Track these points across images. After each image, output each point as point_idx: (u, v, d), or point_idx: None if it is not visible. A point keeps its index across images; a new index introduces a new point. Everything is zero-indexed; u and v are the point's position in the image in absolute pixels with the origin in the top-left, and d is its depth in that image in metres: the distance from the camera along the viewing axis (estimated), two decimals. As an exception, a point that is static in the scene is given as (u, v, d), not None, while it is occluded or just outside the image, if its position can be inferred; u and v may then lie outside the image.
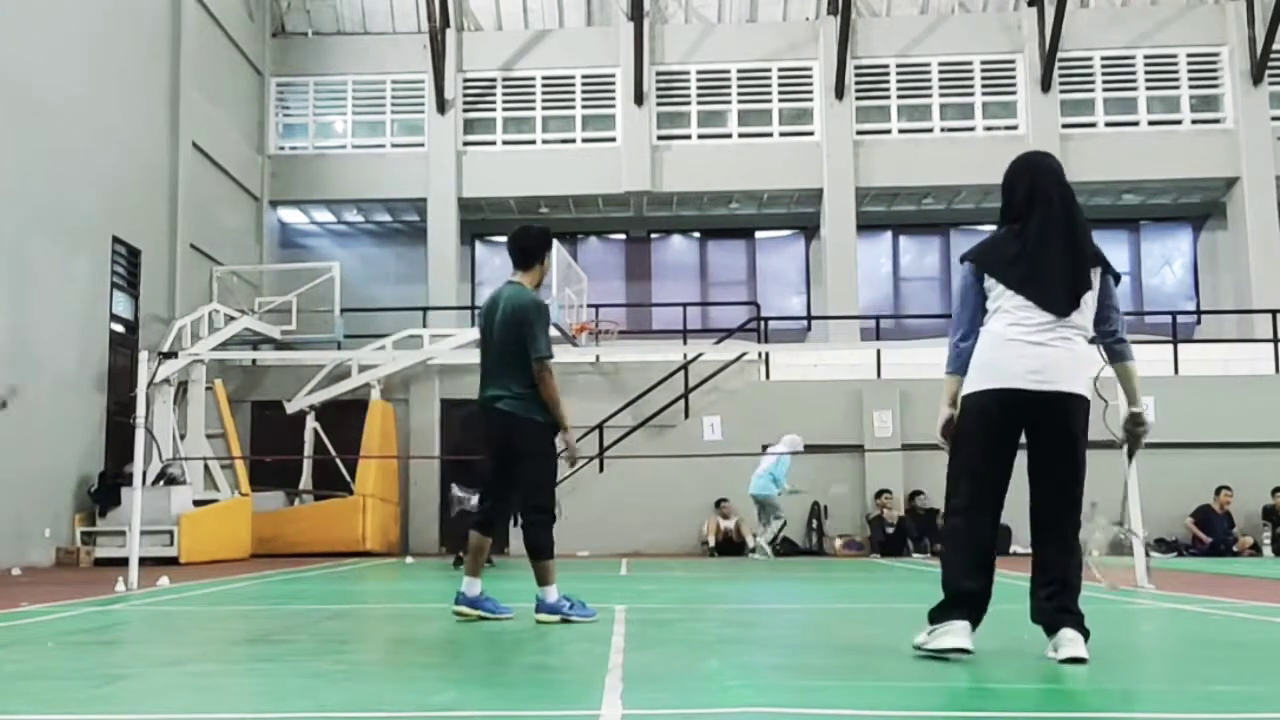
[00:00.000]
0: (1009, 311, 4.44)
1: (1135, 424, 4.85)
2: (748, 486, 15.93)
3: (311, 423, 18.08)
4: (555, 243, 18.43)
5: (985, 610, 4.40)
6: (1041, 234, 4.45)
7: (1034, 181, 4.57)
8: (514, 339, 6.08)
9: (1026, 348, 4.36)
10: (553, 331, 17.80)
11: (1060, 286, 4.40)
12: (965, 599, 4.35)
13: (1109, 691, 3.77)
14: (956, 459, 4.57)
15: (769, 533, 15.95)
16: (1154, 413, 17.32)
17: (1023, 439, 4.50)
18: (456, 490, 13.34)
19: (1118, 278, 4.66)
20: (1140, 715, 3.33)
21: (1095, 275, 4.49)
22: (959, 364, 4.63)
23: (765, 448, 16.41)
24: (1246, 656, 4.79)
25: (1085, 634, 4.23)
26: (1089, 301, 4.48)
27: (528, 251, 6.28)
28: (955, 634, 4.26)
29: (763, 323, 20.16)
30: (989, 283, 4.53)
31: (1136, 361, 4.71)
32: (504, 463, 6.18)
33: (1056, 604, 4.32)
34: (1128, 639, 5.78)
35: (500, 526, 6.51)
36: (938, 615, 4.36)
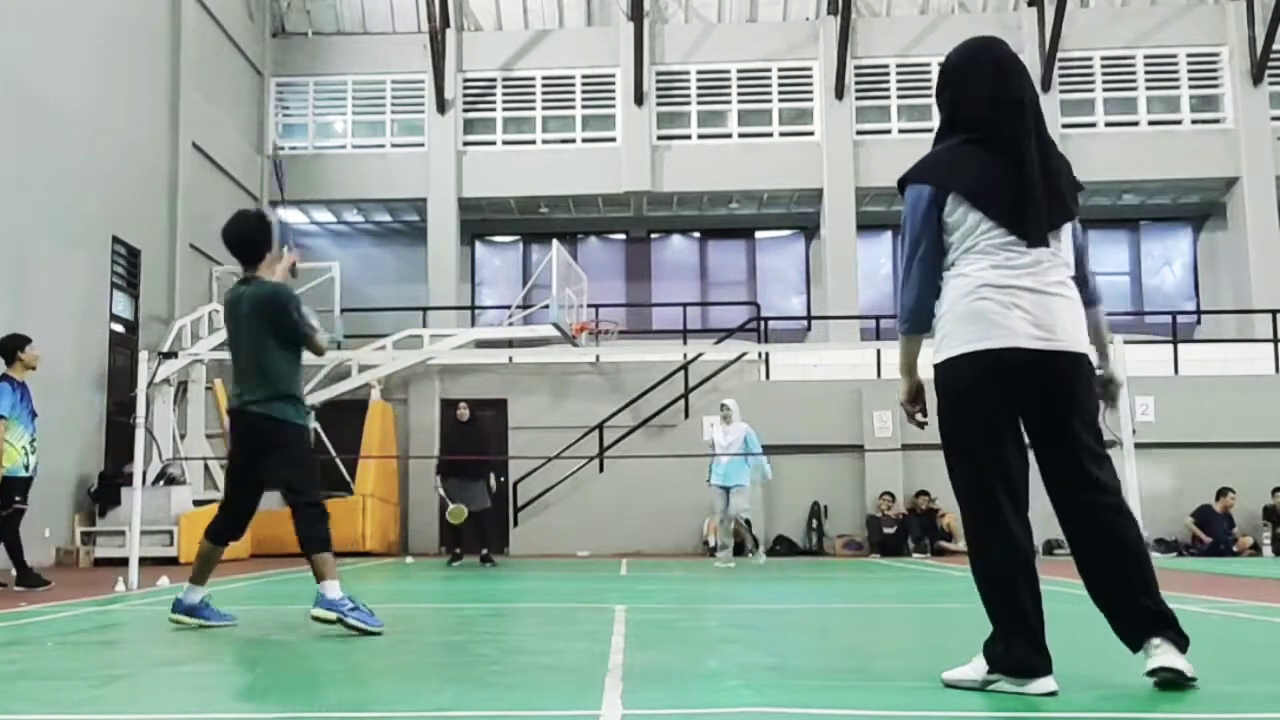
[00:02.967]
0: (987, 252, 3.49)
1: (1108, 383, 3.94)
2: (731, 479, 13.42)
3: (311, 423, 18.06)
4: (555, 243, 18.72)
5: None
6: (1016, 149, 3.51)
7: (1001, 78, 3.60)
8: (264, 337, 5.70)
9: (1024, 295, 3.45)
10: (552, 331, 17.93)
11: (1045, 214, 3.50)
12: (1041, 633, 3.50)
13: (1109, 691, 3.77)
14: (966, 452, 3.53)
15: (745, 532, 13.85)
16: (1154, 413, 17.46)
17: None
18: (438, 487, 13.52)
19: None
20: (1140, 715, 3.33)
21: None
22: (922, 320, 3.63)
23: (719, 419, 13.91)
24: (1246, 656, 4.79)
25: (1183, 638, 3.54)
26: (1068, 234, 3.61)
27: (251, 243, 5.73)
28: (1053, 681, 3.47)
29: (763, 323, 20.16)
30: (955, 213, 3.54)
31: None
32: (251, 467, 5.95)
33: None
34: (1128, 639, 5.78)
35: (237, 535, 6.24)
36: (1013, 667, 3.45)
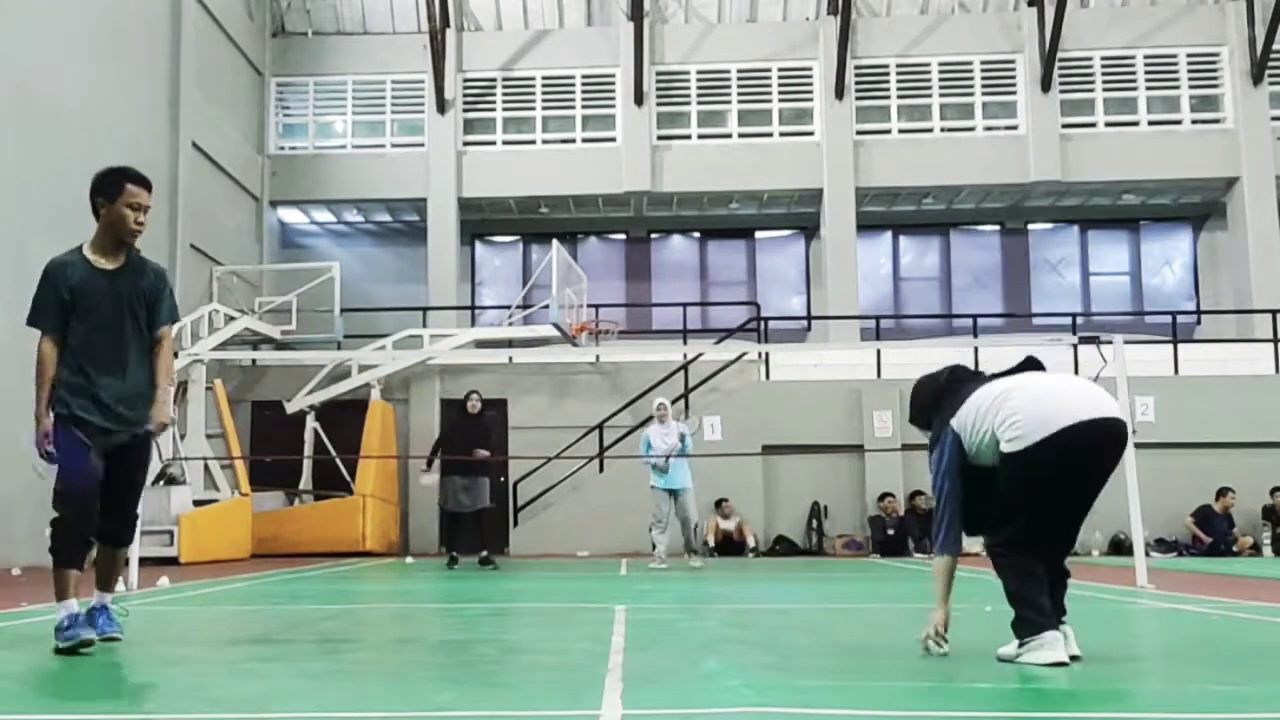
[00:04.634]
0: (1017, 389, 4.37)
1: None
2: (677, 482, 13.14)
3: (311, 423, 18.09)
4: (555, 243, 18.71)
5: None
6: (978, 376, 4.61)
7: (948, 372, 4.70)
8: None
9: (1069, 385, 4.44)
10: (552, 331, 17.91)
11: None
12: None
13: (1109, 691, 3.77)
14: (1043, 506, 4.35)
15: (696, 536, 13.52)
16: (1154, 413, 17.47)
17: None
18: (430, 478, 13.18)
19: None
20: (1140, 715, 3.33)
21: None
22: (957, 543, 4.53)
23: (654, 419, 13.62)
24: (1246, 656, 4.79)
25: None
26: None
27: (90, 200, 5.23)
28: (1071, 641, 4.30)
29: (762, 323, 20.16)
30: (981, 421, 4.37)
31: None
32: None
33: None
34: (1127, 639, 5.78)
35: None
36: (1044, 623, 4.25)
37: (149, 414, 5.03)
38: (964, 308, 22.43)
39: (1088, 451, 4.25)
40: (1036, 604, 4.25)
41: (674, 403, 18.16)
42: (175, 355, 14.07)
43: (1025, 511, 4.28)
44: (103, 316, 5.03)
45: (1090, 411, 4.24)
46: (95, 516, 4.98)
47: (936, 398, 4.63)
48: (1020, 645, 4.26)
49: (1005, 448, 4.28)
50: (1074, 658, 4.22)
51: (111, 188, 5.12)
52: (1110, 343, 9.24)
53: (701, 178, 21.60)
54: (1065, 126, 21.28)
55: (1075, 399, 4.28)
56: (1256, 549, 16.68)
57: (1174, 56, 21.56)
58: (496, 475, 13.96)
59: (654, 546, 13.28)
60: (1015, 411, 4.27)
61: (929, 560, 16.46)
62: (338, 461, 17.78)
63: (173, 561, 13.33)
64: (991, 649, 4.65)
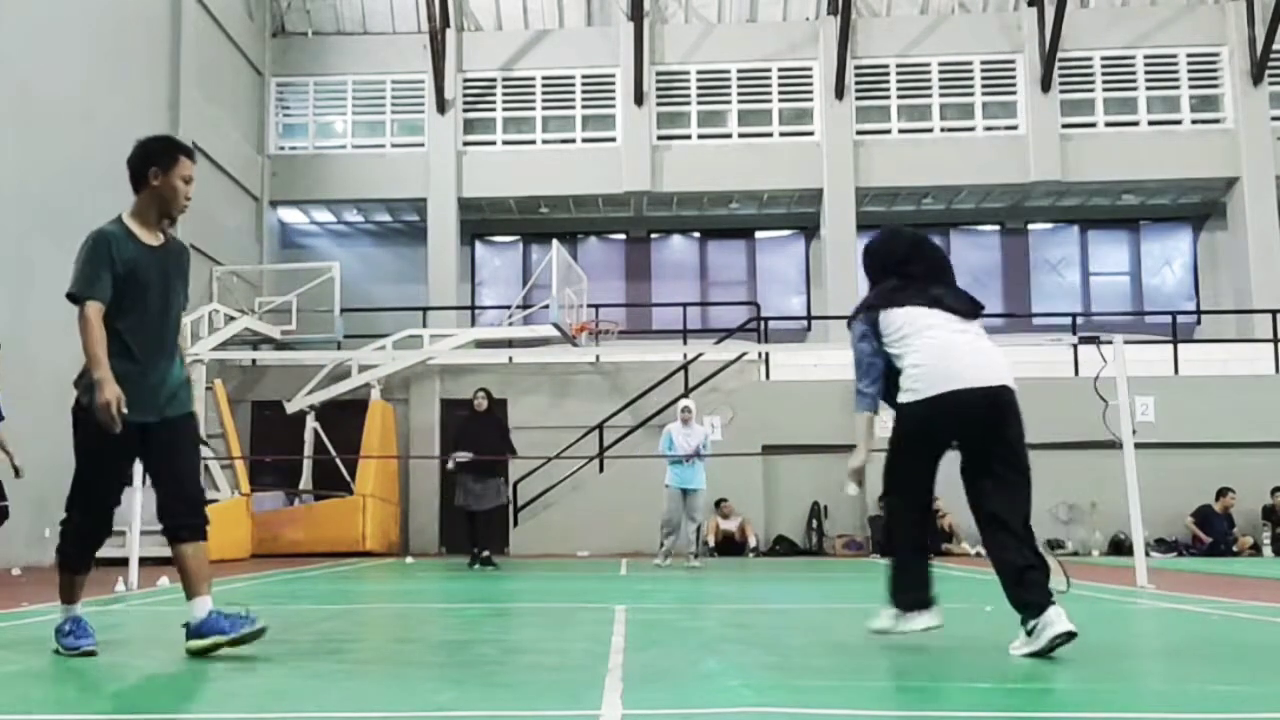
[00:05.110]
0: (928, 330, 4.68)
1: None
2: (691, 482, 13.28)
3: (311, 423, 18.08)
4: (555, 243, 18.71)
5: None
6: (924, 274, 4.87)
7: (911, 246, 5.02)
8: None
9: (970, 349, 4.66)
10: (552, 331, 17.89)
11: (964, 300, 4.84)
12: (931, 587, 4.80)
13: (1109, 691, 3.77)
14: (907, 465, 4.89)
15: (694, 539, 13.60)
16: (1154, 413, 17.46)
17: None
18: (453, 465, 13.09)
19: None
20: (1140, 715, 3.33)
21: None
22: (873, 403, 4.88)
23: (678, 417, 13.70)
24: (1246, 656, 4.79)
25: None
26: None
27: (130, 170, 4.77)
28: (937, 614, 4.72)
29: (762, 323, 20.16)
30: (895, 323, 4.75)
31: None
32: None
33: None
34: (1127, 639, 5.78)
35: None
36: (912, 603, 4.72)
37: (190, 402, 4.89)
38: (964, 307, 22.38)
39: (970, 420, 4.57)
40: (918, 575, 4.77)
41: (674, 403, 18.19)
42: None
43: (902, 467, 4.81)
44: (151, 296, 4.67)
45: (978, 380, 4.54)
46: (112, 522, 4.85)
47: (885, 273, 4.98)
48: (896, 617, 4.70)
49: (901, 397, 4.69)
50: (1071, 634, 4.31)
51: (166, 157, 4.71)
52: (1110, 343, 9.23)
53: (701, 178, 21.60)
54: (1065, 126, 21.28)
55: (969, 364, 4.58)
56: (1256, 549, 16.69)
57: (1174, 56, 21.56)
58: (504, 473, 13.84)
59: (661, 545, 13.38)
60: (917, 365, 4.62)
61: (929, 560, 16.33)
62: (338, 461, 17.77)
63: (173, 561, 13.31)
64: (991, 648, 4.65)
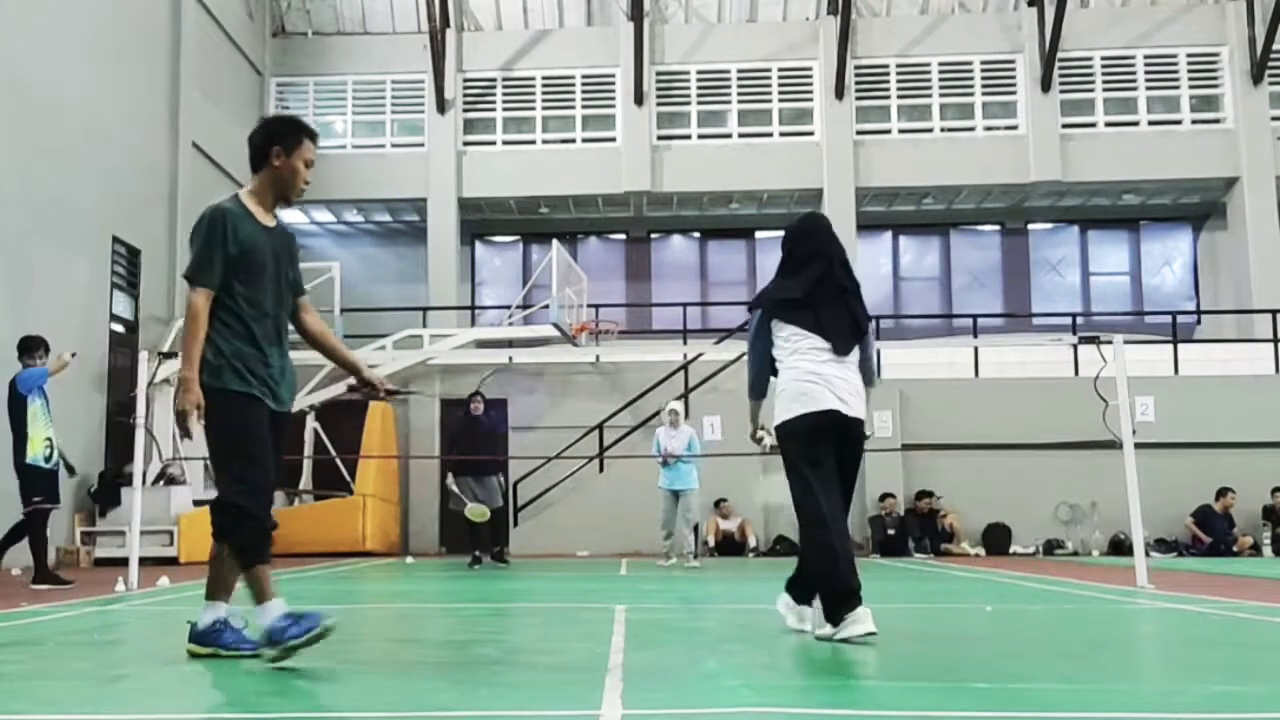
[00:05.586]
0: (806, 353, 5.22)
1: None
2: (680, 483, 13.43)
3: (311, 423, 18.08)
4: (555, 243, 18.70)
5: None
6: (821, 288, 5.30)
7: (815, 241, 5.44)
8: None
9: (831, 381, 5.19)
10: (552, 331, 17.88)
11: (844, 333, 5.28)
12: (855, 593, 4.94)
13: (1109, 691, 3.77)
14: (801, 479, 5.17)
15: (691, 539, 13.74)
16: (1154, 413, 17.46)
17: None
18: (452, 484, 13.28)
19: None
20: (1140, 715, 3.33)
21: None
22: (762, 392, 5.53)
23: (667, 417, 13.89)
24: (1246, 656, 4.79)
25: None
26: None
27: (250, 148, 4.58)
28: (866, 620, 4.86)
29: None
30: (783, 334, 5.31)
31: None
32: None
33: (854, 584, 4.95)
34: (1128, 639, 5.78)
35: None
36: (836, 610, 4.92)
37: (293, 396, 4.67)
38: (964, 308, 22.43)
39: (825, 440, 5.15)
40: (841, 579, 4.95)
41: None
42: (175, 355, 14.03)
43: (796, 480, 5.19)
44: (266, 280, 4.48)
45: (832, 404, 5.13)
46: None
47: (783, 267, 5.48)
48: (835, 625, 4.91)
49: (775, 415, 5.27)
50: (871, 633, 4.81)
51: (291, 138, 4.54)
52: (1110, 343, 9.23)
53: (701, 178, 21.60)
54: (1065, 126, 21.28)
55: (828, 395, 5.14)
56: (1256, 549, 16.69)
57: (1174, 56, 21.56)
58: (500, 473, 14.05)
59: (664, 545, 13.55)
60: (784, 389, 5.25)
61: (929, 560, 16.47)
62: (338, 461, 17.77)
63: (173, 561, 13.33)
64: (991, 649, 4.65)
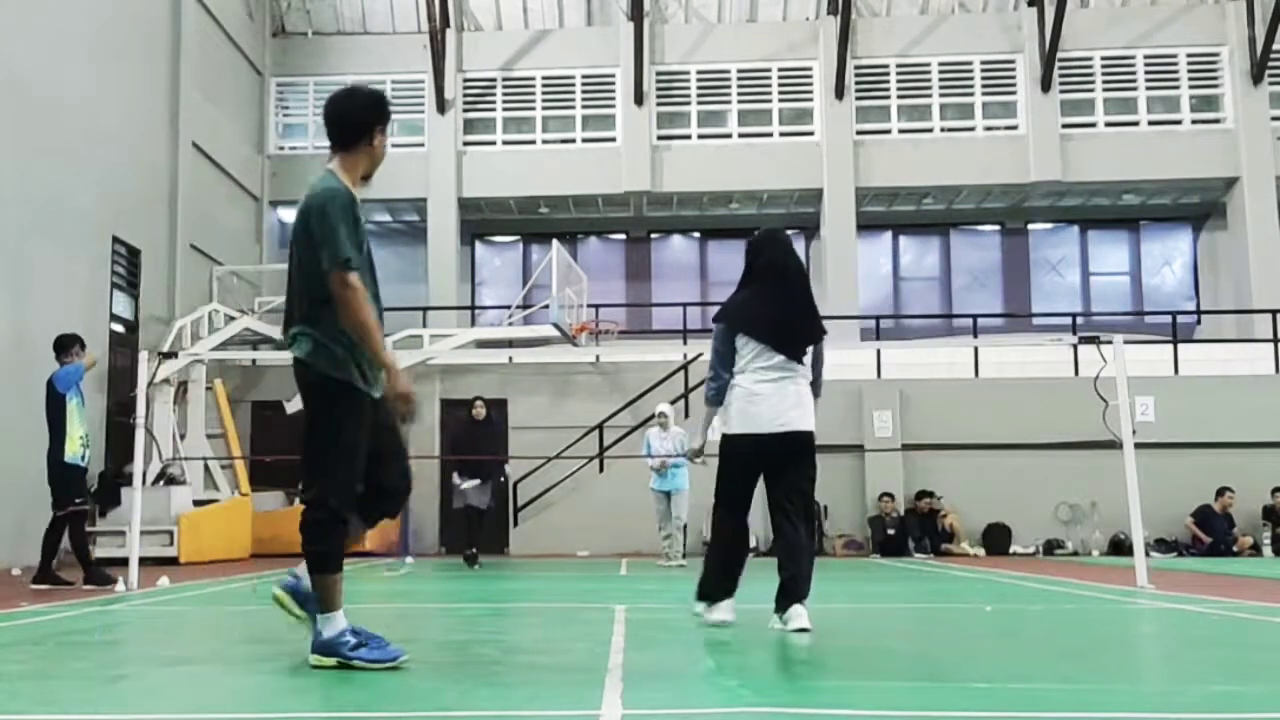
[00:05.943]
0: (755, 369, 5.58)
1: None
2: (669, 484, 13.63)
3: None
4: (555, 243, 18.69)
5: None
6: (776, 298, 5.64)
7: (771, 253, 5.77)
8: (306, 252, 4.21)
9: (772, 399, 5.55)
10: (552, 331, 17.90)
11: (797, 340, 5.62)
12: (732, 586, 5.68)
13: (1109, 691, 3.77)
14: (723, 486, 5.74)
15: (680, 540, 13.73)
16: (1154, 413, 17.46)
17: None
18: (457, 480, 13.31)
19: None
20: (1140, 715, 3.33)
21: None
22: (719, 398, 5.80)
23: (657, 417, 14.06)
24: (1246, 656, 4.79)
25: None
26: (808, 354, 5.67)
27: (346, 123, 4.37)
28: (728, 610, 5.61)
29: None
30: (739, 345, 5.64)
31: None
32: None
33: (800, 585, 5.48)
34: (1128, 639, 5.78)
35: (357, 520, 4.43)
36: (709, 594, 5.67)
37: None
38: (964, 308, 22.43)
39: (765, 454, 5.61)
40: (720, 571, 5.69)
41: (673, 403, 18.18)
42: (175, 355, 14.02)
43: (722, 484, 5.74)
44: (369, 262, 4.30)
45: (774, 426, 5.53)
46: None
47: (743, 280, 5.86)
48: (705, 606, 5.67)
49: (721, 427, 5.73)
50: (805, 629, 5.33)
51: (386, 120, 4.40)
52: (1110, 343, 9.23)
53: (701, 178, 21.60)
54: (1065, 126, 21.28)
55: (770, 411, 5.54)
56: (1256, 549, 16.68)
57: (1174, 56, 21.56)
58: (499, 476, 14.13)
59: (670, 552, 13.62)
60: (730, 404, 5.65)
61: (929, 560, 16.45)
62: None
63: (173, 561, 13.33)
64: (991, 649, 4.65)
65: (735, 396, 5.63)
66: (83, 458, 9.43)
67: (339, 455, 4.18)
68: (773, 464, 5.64)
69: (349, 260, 4.10)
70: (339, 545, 4.23)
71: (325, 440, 4.20)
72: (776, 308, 5.62)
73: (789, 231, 23.14)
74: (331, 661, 4.14)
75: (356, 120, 4.35)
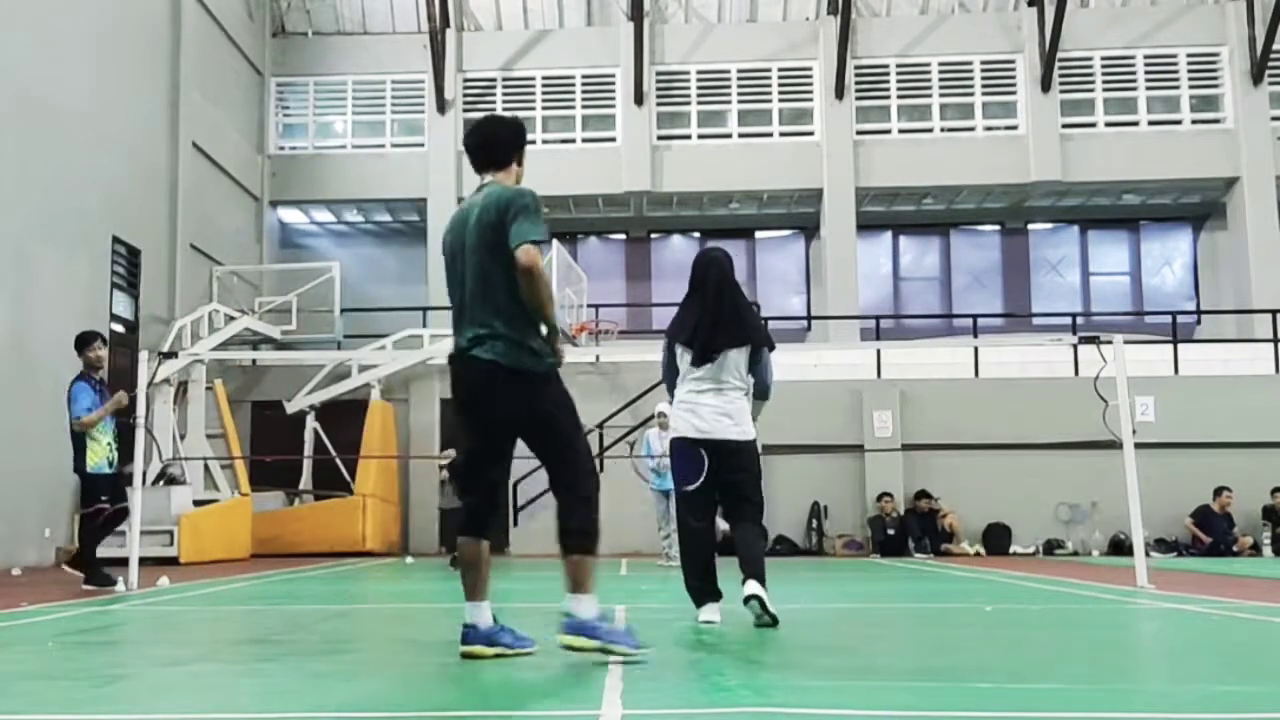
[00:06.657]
0: (688, 381, 5.99)
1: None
2: (667, 483, 13.06)
3: (311, 423, 18.07)
4: (555, 243, 18.67)
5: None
6: (701, 308, 6.00)
7: (699, 270, 6.13)
8: (500, 253, 4.42)
9: (700, 409, 5.95)
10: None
11: (715, 343, 5.91)
12: (712, 588, 6.02)
13: (1110, 691, 3.77)
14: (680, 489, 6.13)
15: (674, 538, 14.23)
16: (1154, 413, 17.46)
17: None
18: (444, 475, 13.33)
19: (771, 346, 6.18)
20: (1140, 715, 3.33)
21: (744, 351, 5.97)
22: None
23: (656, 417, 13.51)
24: (1246, 656, 4.79)
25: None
26: (735, 360, 5.94)
27: (499, 143, 4.67)
28: (713, 611, 5.90)
29: (763, 323, 20.12)
30: (679, 356, 6.04)
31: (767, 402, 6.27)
32: (496, 434, 4.73)
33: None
34: (1128, 639, 5.78)
35: (495, 524, 4.80)
36: (695, 599, 6.04)
37: None
38: (964, 308, 22.44)
39: (709, 454, 5.93)
40: (694, 575, 6.11)
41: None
42: (175, 355, 14.01)
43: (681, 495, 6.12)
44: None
45: (709, 433, 5.90)
46: None
47: (691, 288, 6.12)
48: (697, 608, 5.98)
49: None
50: (757, 597, 5.66)
51: (525, 140, 4.85)
52: (1110, 343, 9.23)
53: (701, 178, 21.60)
54: (1065, 126, 21.28)
55: (690, 420, 5.95)
56: (1256, 549, 16.68)
57: (1174, 56, 21.57)
58: None
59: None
60: (665, 412, 6.35)
61: (929, 560, 16.44)
62: (338, 461, 17.77)
63: (173, 561, 13.32)
64: (991, 649, 4.65)
65: (674, 406, 6.12)
66: (110, 463, 9.41)
67: (587, 448, 4.86)
68: (715, 470, 5.96)
69: (539, 241, 4.45)
70: (598, 530, 4.58)
71: (568, 435, 4.74)
72: (700, 316, 5.98)
73: (788, 232, 23.44)
74: (592, 644, 4.27)
75: (506, 140, 4.73)
